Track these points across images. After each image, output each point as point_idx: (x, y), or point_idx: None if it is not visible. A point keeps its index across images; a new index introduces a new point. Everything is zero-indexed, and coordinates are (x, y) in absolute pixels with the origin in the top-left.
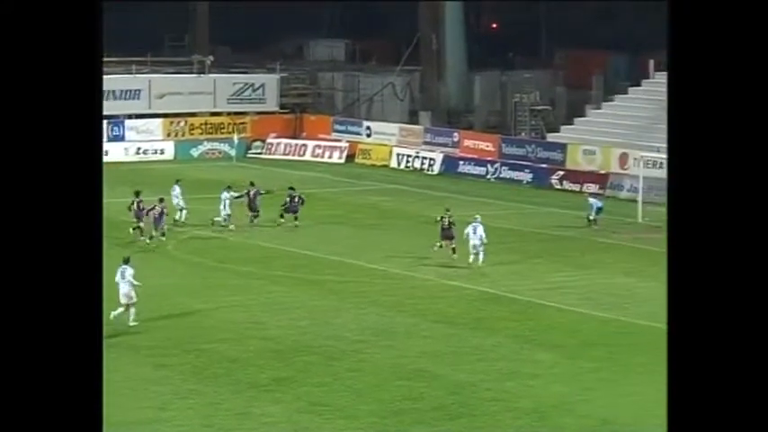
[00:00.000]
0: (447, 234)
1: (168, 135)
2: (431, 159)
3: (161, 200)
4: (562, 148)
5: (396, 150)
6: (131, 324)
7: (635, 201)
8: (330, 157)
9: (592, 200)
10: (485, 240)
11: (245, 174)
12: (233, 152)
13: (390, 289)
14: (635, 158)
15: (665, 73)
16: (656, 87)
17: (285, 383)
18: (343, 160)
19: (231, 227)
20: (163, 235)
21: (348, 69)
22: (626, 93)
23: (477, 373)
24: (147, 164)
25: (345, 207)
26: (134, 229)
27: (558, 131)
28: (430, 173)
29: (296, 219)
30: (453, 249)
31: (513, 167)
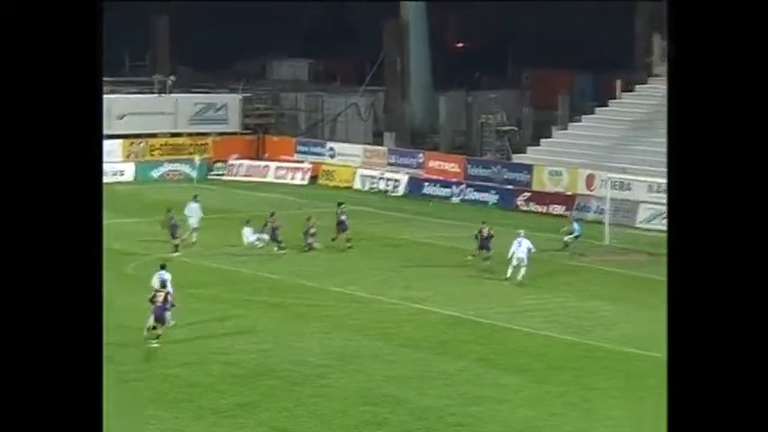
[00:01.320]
0: (484, 245)
1: (128, 156)
2: (395, 181)
3: (272, 214)
4: (528, 169)
5: (359, 172)
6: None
7: (602, 223)
8: (293, 178)
9: (576, 225)
10: (533, 251)
11: (207, 196)
12: (194, 174)
13: (355, 312)
14: (602, 180)
15: (631, 93)
16: (622, 108)
17: (248, 409)
18: (306, 182)
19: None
20: (281, 248)
21: (311, 89)
22: (592, 113)
23: (443, 397)
24: (107, 186)
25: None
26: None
27: (524, 152)
28: (394, 194)
29: (348, 240)
30: (486, 258)
31: (478, 189)
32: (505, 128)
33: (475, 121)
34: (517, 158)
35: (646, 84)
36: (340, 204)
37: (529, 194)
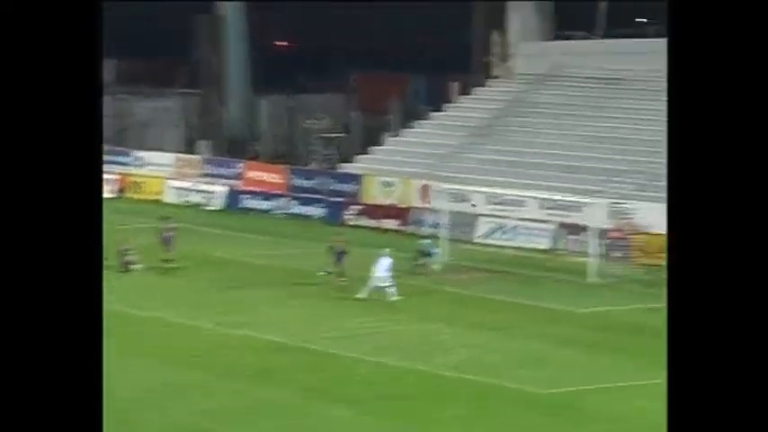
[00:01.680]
0: (338, 261)
1: None
2: (211, 193)
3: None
4: (357, 179)
5: (171, 183)
6: None
7: (438, 238)
8: None
9: (435, 247)
10: (389, 275)
11: None
12: None
13: (170, 339)
14: (437, 191)
15: (469, 96)
16: (459, 112)
17: None
18: (112, 194)
19: None
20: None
21: (117, 92)
22: (427, 118)
23: (267, 429)
24: None
25: (114, 249)
26: None
27: (352, 161)
28: (210, 208)
29: (167, 261)
30: (329, 272)
31: (303, 202)
32: (332, 134)
33: (299, 127)
34: (345, 168)
35: (484, 86)
36: (165, 219)
37: (358, 208)
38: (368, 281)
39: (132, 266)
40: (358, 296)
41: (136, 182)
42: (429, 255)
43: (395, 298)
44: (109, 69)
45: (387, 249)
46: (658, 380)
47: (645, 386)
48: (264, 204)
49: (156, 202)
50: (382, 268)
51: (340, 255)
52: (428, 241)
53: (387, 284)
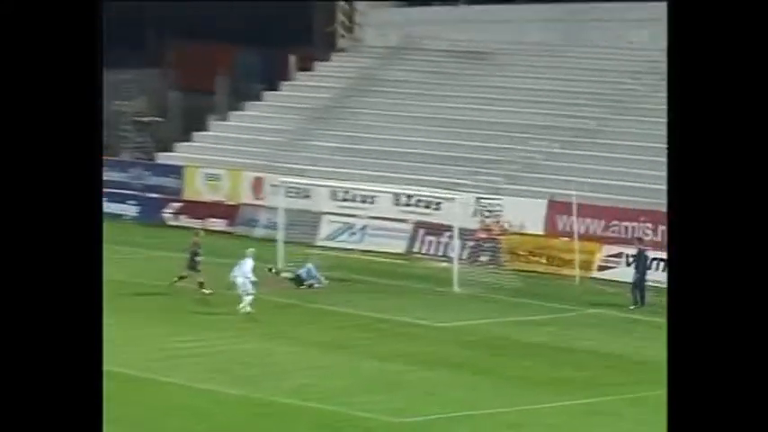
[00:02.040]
0: (193, 265)
1: None
2: None
3: None
4: (177, 172)
5: None
6: None
7: (274, 240)
8: None
9: (313, 270)
10: (252, 278)
11: None
12: None
13: None
14: (273, 185)
15: (309, 73)
16: (298, 92)
17: None
18: None
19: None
20: None
21: None
22: (260, 98)
23: None
24: None
25: None
26: None
27: (172, 150)
28: None
29: None
30: (200, 284)
31: (112, 198)
32: (146, 118)
33: (106, 109)
34: (163, 158)
35: (328, 61)
36: None
37: (179, 205)
38: (236, 286)
39: None
40: (243, 308)
41: None
42: (313, 280)
43: (240, 308)
44: None
45: (251, 249)
46: (523, 406)
47: (508, 413)
48: None
49: None
50: (246, 270)
51: (193, 260)
52: (309, 266)
53: (250, 291)
